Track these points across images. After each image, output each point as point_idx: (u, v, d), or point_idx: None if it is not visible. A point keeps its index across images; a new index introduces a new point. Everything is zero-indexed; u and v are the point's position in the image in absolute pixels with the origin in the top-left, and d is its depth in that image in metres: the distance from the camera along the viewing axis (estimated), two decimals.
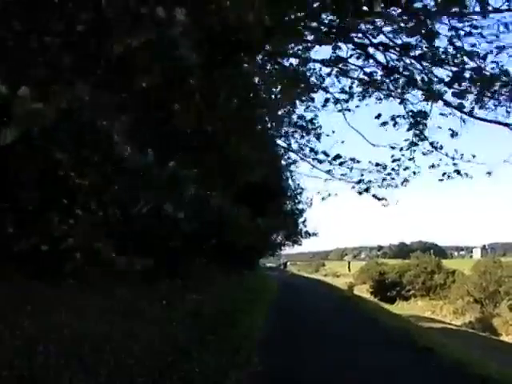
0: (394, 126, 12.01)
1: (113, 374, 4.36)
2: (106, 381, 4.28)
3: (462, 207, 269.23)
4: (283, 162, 18.54)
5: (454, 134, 11.09)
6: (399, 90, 11.33)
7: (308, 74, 12.72)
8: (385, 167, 14.03)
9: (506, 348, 20.99)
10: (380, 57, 10.33)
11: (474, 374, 6.34)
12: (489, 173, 11.15)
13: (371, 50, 10.15)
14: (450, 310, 34.70)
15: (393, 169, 13.78)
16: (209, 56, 6.48)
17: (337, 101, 13.13)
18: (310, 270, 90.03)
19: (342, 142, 15.71)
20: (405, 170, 13.34)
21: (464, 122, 10.59)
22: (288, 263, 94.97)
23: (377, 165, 14.20)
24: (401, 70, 10.33)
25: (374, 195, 14.72)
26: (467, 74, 8.86)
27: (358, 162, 14.54)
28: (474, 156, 11.36)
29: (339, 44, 10.65)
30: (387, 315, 15.98)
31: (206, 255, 12.85)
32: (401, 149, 12.72)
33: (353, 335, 9.92)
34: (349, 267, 74.85)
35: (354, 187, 15.13)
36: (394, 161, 13.16)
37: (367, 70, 11.41)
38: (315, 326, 11.14)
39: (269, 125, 13.33)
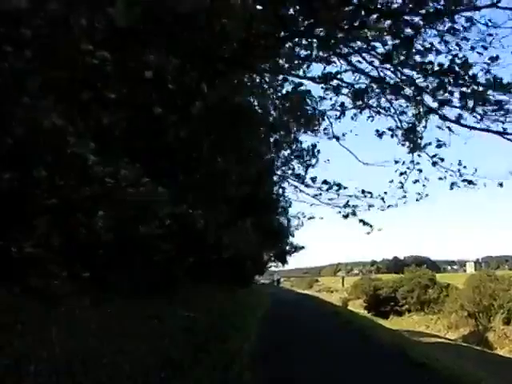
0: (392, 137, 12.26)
1: None
2: None
3: (454, 221, 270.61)
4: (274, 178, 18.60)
5: (441, 145, 11.31)
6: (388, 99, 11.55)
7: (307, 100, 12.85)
8: (369, 193, 14.32)
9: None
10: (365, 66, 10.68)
11: None
12: (500, 184, 10.93)
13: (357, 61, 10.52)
14: (445, 325, 34.55)
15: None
16: (201, 71, 6.56)
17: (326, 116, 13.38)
18: (303, 286, 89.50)
19: (328, 160, 16.02)
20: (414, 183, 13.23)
21: (451, 130, 10.79)
22: (281, 279, 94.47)
23: (362, 192, 14.49)
24: (387, 79, 10.59)
25: (361, 220, 14.93)
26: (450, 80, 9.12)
27: (345, 188, 14.86)
28: (475, 169, 11.48)
29: (331, 59, 10.87)
30: (382, 330, 15.96)
31: (196, 271, 12.66)
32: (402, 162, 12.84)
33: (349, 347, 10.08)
34: (343, 282, 74.78)
35: (339, 212, 15.40)
36: (400, 174, 13.15)
37: (357, 86, 11.64)
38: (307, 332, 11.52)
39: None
